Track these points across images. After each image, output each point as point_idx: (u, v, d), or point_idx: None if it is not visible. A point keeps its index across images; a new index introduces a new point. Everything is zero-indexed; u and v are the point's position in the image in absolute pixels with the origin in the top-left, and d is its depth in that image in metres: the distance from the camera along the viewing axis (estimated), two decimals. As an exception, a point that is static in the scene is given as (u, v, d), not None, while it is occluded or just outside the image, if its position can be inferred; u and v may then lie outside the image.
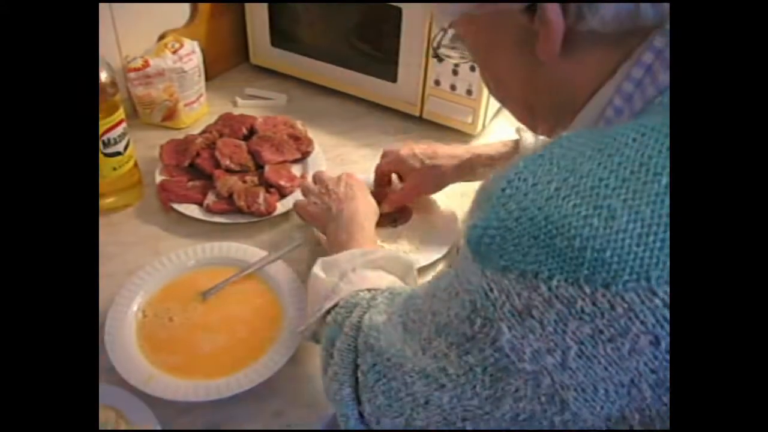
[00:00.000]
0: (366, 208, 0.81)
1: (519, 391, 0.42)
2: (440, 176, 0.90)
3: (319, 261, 0.71)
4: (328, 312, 0.63)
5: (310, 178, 0.98)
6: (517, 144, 0.88)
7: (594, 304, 0.37)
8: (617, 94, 0.47)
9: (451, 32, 0.65)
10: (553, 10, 0.45)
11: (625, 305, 0.36)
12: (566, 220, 0.38)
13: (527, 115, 0.57)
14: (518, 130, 0.88)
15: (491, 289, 0.41)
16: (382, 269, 0.69)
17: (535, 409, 0.42)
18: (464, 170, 0.90)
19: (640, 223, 0.37)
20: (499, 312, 0.41)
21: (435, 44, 0.69)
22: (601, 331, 0.38)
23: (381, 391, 0.52)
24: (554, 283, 0.38)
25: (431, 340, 0.47)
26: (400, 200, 0.93)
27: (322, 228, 0.83)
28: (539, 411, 0.42)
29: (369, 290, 0.63)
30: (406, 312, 0.52)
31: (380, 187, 0.94)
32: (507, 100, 0.59)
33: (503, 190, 0.42)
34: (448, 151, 0.90)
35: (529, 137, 0.86)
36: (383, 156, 0.95)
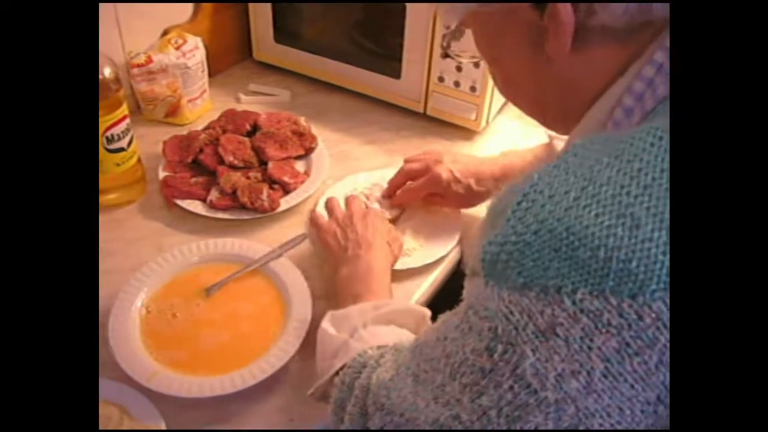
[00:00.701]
0: (384, 257, 0.77)
1: (539, 427, 0.41)
2: (484, 199, 0.89)
3: (329, 315, 0.67)
4: (337, 372, 0.61)
5: (314, 175, 0.98)
6: (545, 147, 0.87)
7: (621, 315, 0.36)
8: (627, 94, 0.46)
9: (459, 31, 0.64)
10: (564, 6, 0.44)
11: (653, 315, 0.36)
12: (588, 231, 0.37)
13: (538, 113, 0.57)
14: (550, 137, 0.86)
15: (511, 312, 0.40)
16: (394, 323, 0.66)
17: None
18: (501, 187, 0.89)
19: (666, 231, 0.36)
20: (521, 334, 0.40)
21: (444, 43, 0.69)
22: (628, 344, 0.37)
23: None
24: (578, 296, 0.37)
25: (444, 386, 0.45)
26: (437, 204, 0.92)
27: (331, 261, 0.80)
28: None
29: (378, 347, 0.60)
30: (417, 363, 0.50)
31: (400, 206, 0.92)
32: (516, 98, 0.58)
33: (519, 203, 0.41)
34: (490, 172, 0.88)
35: (561, 143, 0.83)
36: (409, 173, 0.90)
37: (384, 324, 0.65)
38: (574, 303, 0.37)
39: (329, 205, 0.84)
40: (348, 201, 0.85)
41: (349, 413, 0.55)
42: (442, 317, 0.50)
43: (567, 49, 0.47)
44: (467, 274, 0.46)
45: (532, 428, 0.41)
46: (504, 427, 0.42)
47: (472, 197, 0.89)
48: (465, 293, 0.46)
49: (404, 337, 0.63)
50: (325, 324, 0.66)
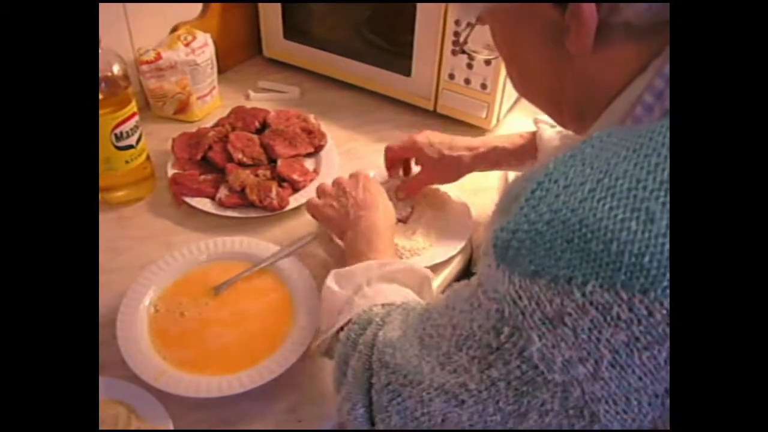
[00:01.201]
0: (386, 217, 0.78)
1: (545, 404, 0.41)
2: (458, 167, 0.90)
3: (333, 273, 0.68)
4: (342, 328, 0.61)
5: (323, 173, 0.98)
6: (534, 136, 0.86)
7: (631, 310, 0.36)
8: (648, 91, 0.46)
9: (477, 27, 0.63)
10: (587, 4, 0.44)
11: (664, 311, 0.35)
12: (602, 223, 0.37)
13: (555, 111, 0.56)
14: (536, 122, 0.86)
15: (520, 297, 0.40)
16: (397, 282, 0.66)
17: (562, 423, 0.41)
18: (482, 162, 0.89)
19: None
20: (528, 320, 0.39)
21: (460, 39, 0.68)
22: (638, 339, 0.36)
23: (395, 410, 0.50)
24: (589, 288, 0.37)
25: (451, 354, 0.46)
26: (416, 188, 0.93)
27: (337, 232, 0.81)
28: (566, 425, 0.41)
29: (383, 305, 0.61)
30: (423, 327, 0.50)
31: (391, 170, 0.94)
32: (534, 96, 0.57)
33: (533, 192, 0.40)
34: (466, 143, 0.89)
35: (547, 129, 0.84)
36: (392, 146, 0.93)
37: (388, 282, 0.66)
38: (583, 295, 0.37)
39: (318, 189, 0.85)
40: (334, 181, 0.85)
41: (352, 368, 0.56)
42: (454, 285, 0.50)
43: (589, 47, 0.46)
44: (481, 254, 0.46)
45: (539, 404, 0.41)
46: (512, 399, 0.42)
47: (445, 162, 0.89)
48: (478, 269, 0.46)
49: (408, 296, 0.64)
50: (330, 281, 0.67)
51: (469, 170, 0.90)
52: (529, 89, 0.57)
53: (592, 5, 0.44)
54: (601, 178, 0.38)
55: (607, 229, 0.36)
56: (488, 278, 0.42)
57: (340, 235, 0.80)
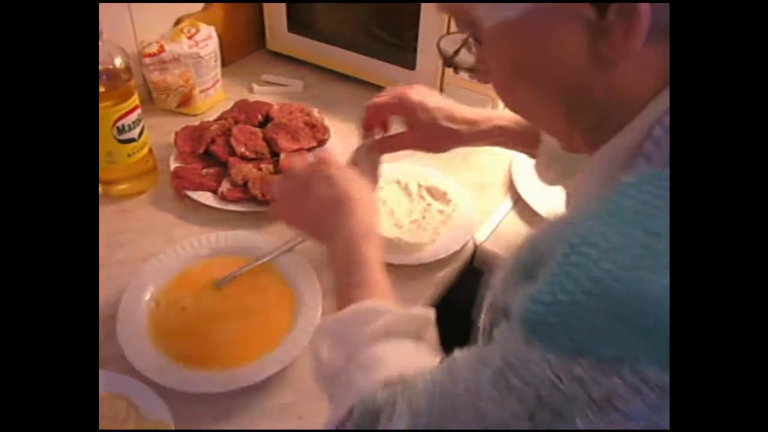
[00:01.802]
0: (363, 220, 0.62)
1: None
2: (452, 140, 0.79)
3: (318, 331, 0.56)
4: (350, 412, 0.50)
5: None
6: None
7: None
8: (658, 124, 0.41)
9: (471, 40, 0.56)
10: (643, 3, 0.39)
11: None
12: (653, 296, 0.33)
13: (565, 128, 0.49)
14: None
15: (560, 378, 0.35)
16: (393, 335, 0.54)
17: None
18: (481, 140, 0.79)
19: None
20: (572, 404, 0.35)
21: (452, 50, 0.62)
22: None
23: None
24: (641, 367, 0.33)
25: None
26: (395, 149, 0.80)
27: (316, 240, 0.67)
28: None
29: (386, 385, 0.49)
30: (437, 419, 0.43)
31: (368, 130, 0.80)
32: (541, 113, 0.50)
33: (566, 256, 0.36)
34: (467, 115, 0.78)
35: None
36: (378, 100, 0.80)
37: (383, 338, 0.53)
38: (636, 375, 0.33)
39: (274, 188, 0.70)
40: (283, 169, 0.73)
41: None
42: (464, 363, 0.43)
43: (634, 50, 0.41)
44: (499, 318, 0.42)
45: None
46: None
47: (436, 133, 0.77)
48: (497, 337, 0.41)
49: (407, 357, 0.53)
50: (319, 343, 0.55)
51: (463, 146, 0.79)
52: (539, 103, 0.49)
53: (647, 4, 0.39)
54: (646, 241, 0.34)
55: (660, 303, 0.33)
56: (518, 357, 0.38)
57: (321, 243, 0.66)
